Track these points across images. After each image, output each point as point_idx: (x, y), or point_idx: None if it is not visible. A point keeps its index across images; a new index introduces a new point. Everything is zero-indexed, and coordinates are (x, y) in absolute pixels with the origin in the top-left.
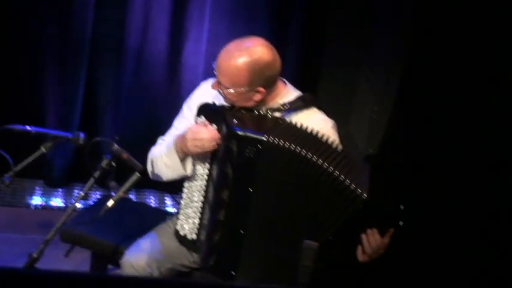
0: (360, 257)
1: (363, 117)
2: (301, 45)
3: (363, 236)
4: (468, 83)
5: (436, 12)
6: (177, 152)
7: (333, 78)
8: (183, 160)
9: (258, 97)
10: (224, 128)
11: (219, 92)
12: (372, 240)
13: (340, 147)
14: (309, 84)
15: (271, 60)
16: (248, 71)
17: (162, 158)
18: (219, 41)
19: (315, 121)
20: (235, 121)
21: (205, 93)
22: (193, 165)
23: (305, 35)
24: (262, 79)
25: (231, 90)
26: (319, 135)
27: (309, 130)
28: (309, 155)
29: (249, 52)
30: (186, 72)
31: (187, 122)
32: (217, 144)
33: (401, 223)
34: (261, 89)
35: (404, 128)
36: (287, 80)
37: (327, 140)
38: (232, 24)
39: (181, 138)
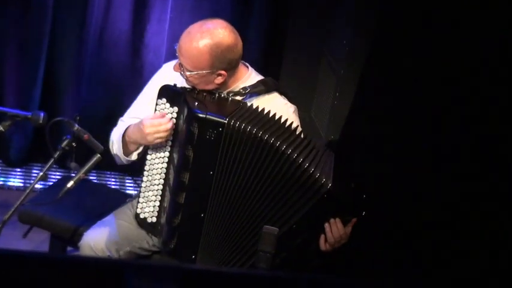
0: (323, 246)
1: (324, 102)
2: (265, 28)
3: (326, 226)
4: (430, 68)
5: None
6: (129, 143)
7: (295, 63)
8: (134, 150)
9: (219, 80)
10: (185, 111)
11: (181, 74)
12: (334, 230)
13: (302, 133)
14: (271, 69)
15: (233, 43)
16: (210, 54)
17: (114, 144)
18: (182, 21)
19: (277, 106)
20: (196, 103)
21: (167, 75)
22: (154, 148)
23: (268, 18)
24: (223, 62)
25: (193, 73)
26: (282, 120)
27: (271, 115)
28: (272, 140)
29: (211, 34)
30: (148, 52)
31: (147, 103)
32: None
33: (364, 213)
34: (223, 72)
35: (365, 114)
36: (249, 63)
37: (289, 126)
38: (196, 3)
39: (138, 131)
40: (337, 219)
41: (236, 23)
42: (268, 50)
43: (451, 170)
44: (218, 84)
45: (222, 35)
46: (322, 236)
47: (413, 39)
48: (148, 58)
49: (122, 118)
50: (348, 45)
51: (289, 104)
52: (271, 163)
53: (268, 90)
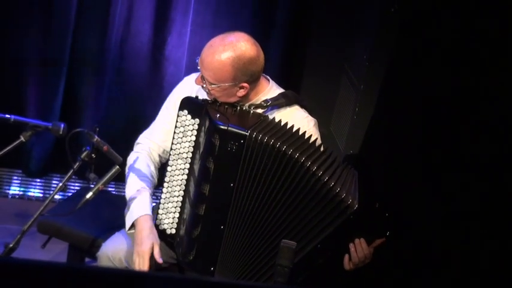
0: (346, 265)
1: (344, 117)
2: (285, 43)
3: (351, 246)
4: (451, 83)
5: (419, 10)
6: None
7: (315, 78)
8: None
9: (241, 93)
10: (207, 122)
11: (203, 87)
12: (359, 250)
13: (325, 148)
14: (291, 84)
15: (255, 55)
16: (232, 66)
17: (128, 193)
18: (202, 34)
19: (297, 119)
20: (218, 115)
21: (188, 87)
22: (174, 159)
23: (289, 33)
24: (246, 74)
25: (215, 85)
26: (306, 135)
27: (294, 129)
28: (297, 155)
29: (233, 47)
30: (168, 64)
31: (169, 116)
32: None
33: (388, 233)
34: (245, 85)
35: (385, 130)
36: (269, 77)
37: (312, 141)
38: (217, 17)
39: (137, 238)
40: (362, 240)
41: (257, 38)
42: (289, 65)
43: (478, 186)
44: (240, 97)
45: (244, 47)
46: (346, 255)
47: (433, 54)
48: (169, 70)
49: (145, 133)
50: (368, 61)
51: (309, 117)
52: (296, 178)
53: (289, 103)
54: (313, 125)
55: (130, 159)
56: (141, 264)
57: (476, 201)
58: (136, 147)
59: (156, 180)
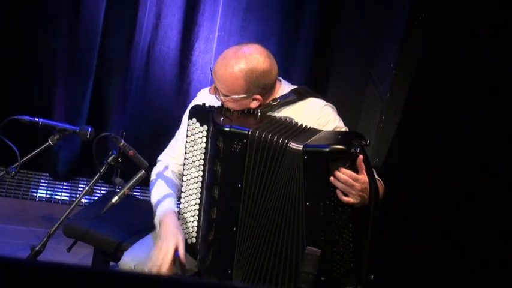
0: (344, 199)
1: (370, 126)
2: (312, 50)
3: (331, 180)
4: (477, 90)
5: (445, 19)
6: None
7: (341, 85)
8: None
9: (255, 104)
10: (211, 127)
11: (216, 98)
12: (338, 176)
13: (344, 128)
14: (317, 91)
15: (267, 68)
16: (244, 79)
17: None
18: (230, 40)
19: (314, 107)
20: (222, 119)
21: (203, 100)
22: (188, 168)
23: (316, 40)
24: (258, 87)
25: (228, 97)
26: (325, 124)
27: (301, 122)
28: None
29: (246, 60)
30: (195, 70)
31: (185, 130)
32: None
33: (356, 150)
34: (258, 97)
35: (411, 137)
36: (296, 85)
37: (316, 131)
38: (244, 22)
39: (162, 234)
40: (338, 169)
41: (284, 44)
42: (315, 72)
43: (495, 190)
44: (254, 108)
45: (257, 60)
46: (338, 191)
47: (460, 63)
48: (196, 76)
49: (160, 158)
50: (394, 69)
51: (327, 104)
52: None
53: (301, 98)
54: (331, 111)
55: (153, 175)
56: (163, 260)
57: (502, 210)
58: (157, 164)
59: (179, 191)
